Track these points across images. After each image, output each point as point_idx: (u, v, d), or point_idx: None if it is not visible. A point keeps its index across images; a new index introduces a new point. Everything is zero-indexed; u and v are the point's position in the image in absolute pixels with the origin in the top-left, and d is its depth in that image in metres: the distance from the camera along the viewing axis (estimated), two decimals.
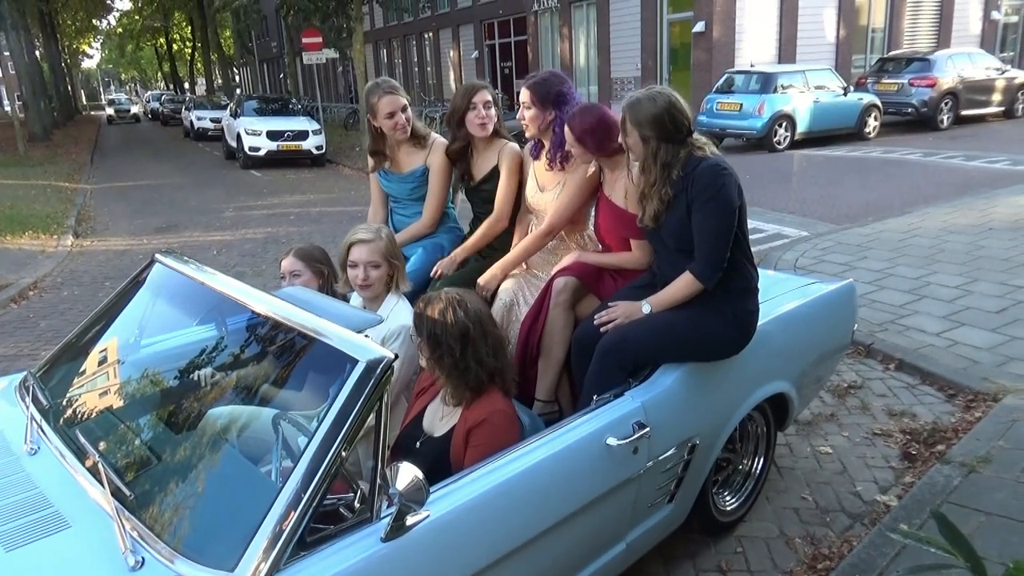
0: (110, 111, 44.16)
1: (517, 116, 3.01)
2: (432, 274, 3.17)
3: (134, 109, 45.13)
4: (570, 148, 2.76)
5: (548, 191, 3.00)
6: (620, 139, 2.51)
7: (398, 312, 2.62)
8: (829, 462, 3.56)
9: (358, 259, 2.61)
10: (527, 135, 3.06)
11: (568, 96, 2.96)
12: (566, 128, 2.74)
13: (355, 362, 1.73)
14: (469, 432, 2.14)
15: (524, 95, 2.95)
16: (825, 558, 2.85)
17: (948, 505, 2.98)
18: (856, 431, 3.83)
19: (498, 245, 3.27)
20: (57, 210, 11.85)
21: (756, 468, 3.14)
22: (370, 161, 3.47)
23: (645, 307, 2.51)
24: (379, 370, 1.71)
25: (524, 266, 3.07)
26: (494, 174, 3.23)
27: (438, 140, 3.34)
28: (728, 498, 3.06)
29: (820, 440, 3.75)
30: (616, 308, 2.55)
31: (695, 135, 2.45)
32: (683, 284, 2.45)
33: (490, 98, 3.17)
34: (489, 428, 2.13)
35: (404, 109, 3.23)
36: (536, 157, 3.12)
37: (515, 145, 3.23)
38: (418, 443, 2.28)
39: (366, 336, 1.87)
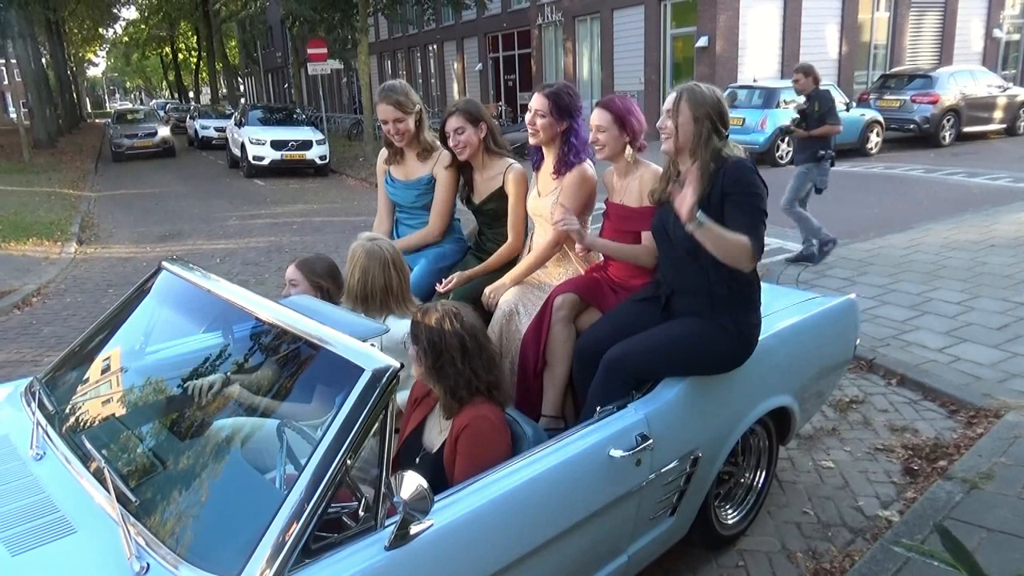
0: (119, 135, 22.09)
1: (527, 120, 2.98)
2: (440, 286, 3.12)
3: (162, 131, 22.76)
4: (600, 134, 2.76)
5: (546, 196, 3.03)
6: (662, 121, 2.49)
7: (393, 323, 2.63)
8: (831, 476, 3.55)
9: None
10: (533, 142, 3.04)
11: (581, 112, 2.98)
12: (604, 111, 2.75)
13: (361, 371, 1.74)
14: (456, 440, 2.14)
15: (540, 103, 2.92)
16: (827, 573, 2.84)
17: (950, 521, 2.98)
18: (858, 446, 3.83)
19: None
20: (61, 217, 11.89)
21: (758, 482, 3.14)
22: (384, 151, 3.49)
23: (700, 215, 2.20)
24: (385, 379, 1.72)
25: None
26: (497, 196, 3.23)
27: (446, 152, 3.34)
28: (730, 512, 3.06)
29: (822, 454, 3.75)
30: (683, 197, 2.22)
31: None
32: (739, 240, 2.26)
33: (459, 124, 3.13)
34: (472, 433, 2.11)
35: (399, 120, 3.23)
36: (537, 169, 3.14)
37: (519, 168, 3.19)
38: (417, 459, 2.29)
39: (372, 345, 1.88)
